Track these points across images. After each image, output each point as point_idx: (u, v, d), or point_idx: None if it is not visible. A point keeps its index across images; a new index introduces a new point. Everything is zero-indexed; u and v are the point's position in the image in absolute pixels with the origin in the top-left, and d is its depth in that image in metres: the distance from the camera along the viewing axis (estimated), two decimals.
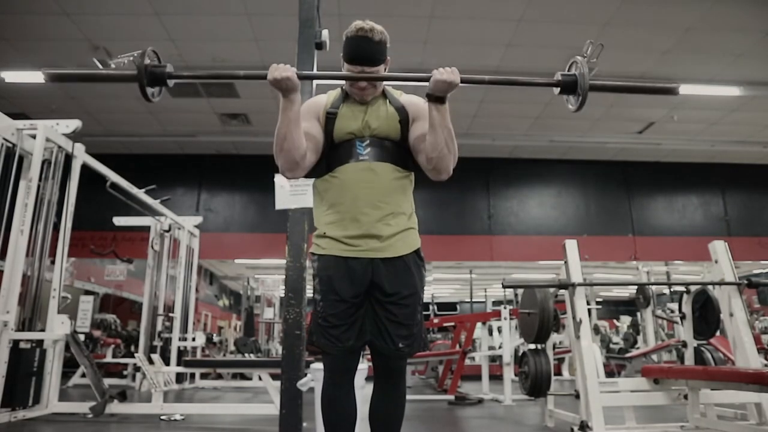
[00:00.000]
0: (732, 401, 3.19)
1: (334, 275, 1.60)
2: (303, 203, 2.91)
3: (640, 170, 8.78)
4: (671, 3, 4.94)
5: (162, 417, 3.86)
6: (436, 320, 7.16)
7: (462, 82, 1.49)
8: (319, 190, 1.70)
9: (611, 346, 8.90)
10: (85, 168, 4.25)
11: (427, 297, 12.68)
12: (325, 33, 3.16)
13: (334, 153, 1.66)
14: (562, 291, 3.41)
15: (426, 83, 1.50)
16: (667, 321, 7.91)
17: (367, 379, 2.21)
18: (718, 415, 3.18)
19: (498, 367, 6.83)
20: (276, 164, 1.60)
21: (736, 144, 7.90)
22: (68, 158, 4.05)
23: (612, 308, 14.85)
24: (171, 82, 1.53)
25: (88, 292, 8.96)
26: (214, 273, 13.84)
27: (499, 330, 6.54)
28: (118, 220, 6.50)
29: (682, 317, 3.77)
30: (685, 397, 3.07)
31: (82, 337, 4.68)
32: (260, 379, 4.09)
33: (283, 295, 4.92)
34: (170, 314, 6.44)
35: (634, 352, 6.95)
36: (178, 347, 6.23)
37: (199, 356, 6.71)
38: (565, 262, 3.33)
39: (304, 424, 2.81)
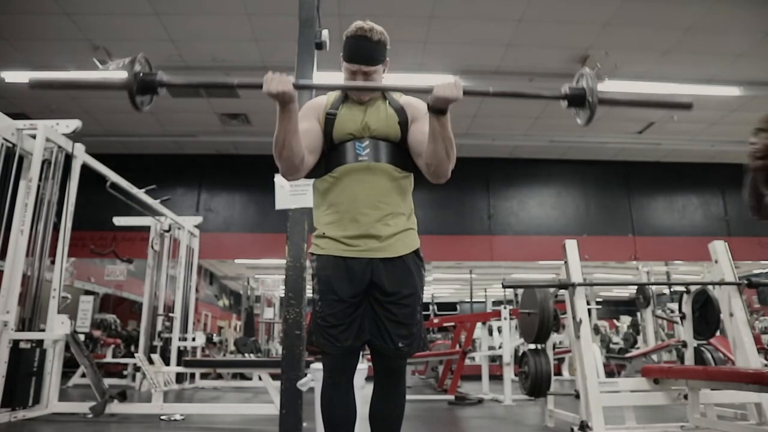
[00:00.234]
0: (732, 401, 3.19)
1: (332, 275, 1.60)
2: (303, 203, 2.91)
3: (640, 170, 8.78)
4: (671, 3, 4.94)
5: (162, 417, 3.86)
6: (436, 320, 7.16)
7: (465, 94, 1.45)
8: (319, 191, 1.71)
9: (611, 346, 8.90)
10: (85, 168, 4.26)
11: (427, 297, 12.71)
12: (325, 33, 3.17)
13: (333, 153, 1.66)
14: (562, 291, 3.41)
15: (427, 91, 1.46)
16: (667, 321, 7.91)
17: (367, 379, 2.22)
18: (718, 415, 3.18)
19: (498, 367, 6.83)
20: (276, 165, 1.61)
21: (736, 144, 7.88)
22: (68, 158, 4.05)
23: (612, 308, 14.84)
24: (162, 90, 1.47)
25: (88, 292, 8.96)
26: (214, 273, 13.84)
27: (499, 330, 6.54)
28: (118, 220, 6.50)
29: (682, 317, 3.77)
30: (685, 397, 3.06)
31: (82, 337, 4.68)
32: (260, 379, 4.10)
33: (283, 295, 4.92)
34: (170, 314, 6.44)
35: (634, 352, 6.94)
36: (178, 347, 6.24)
37: (199, 356, 6.71)
38: (565, 262, 3.33)
39: (304, 424, 2.81)
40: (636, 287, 7.64)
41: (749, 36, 5.42)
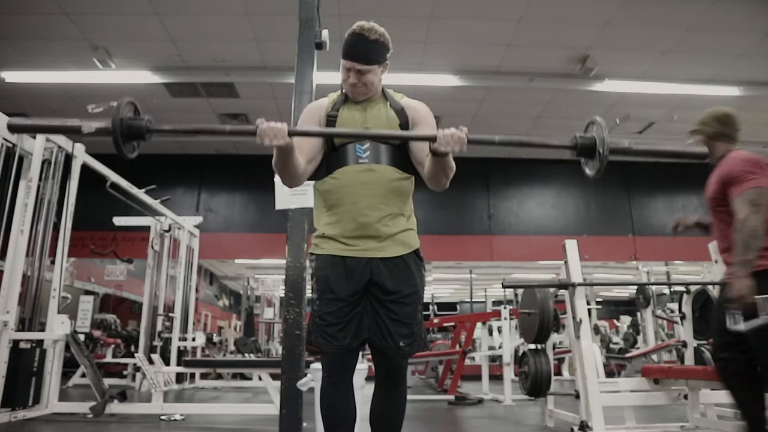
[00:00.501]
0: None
1: (331, 274, 1.61)
2: (303, 203, 2.91)
3: (640, 170, 8.77)
4: (671, 3, 4.94)
5: (162, 417, 3.86)
6: (436, 320, 7.16)
7: (469, 143, 1.39)
8: (320, 192, 1.71)
9: (611, 346, 8.90)
10: (85, 168, 4.26)
11: (427, 297, 12.66)
12: (325, 33, 3.17)
13: (334, 155, 1.66)
14: (562, 291, 3.41)
15: (431, 139, 1.43)
16: (667, 321, 7.91)
17: (368, 379, 2.22)
18: (718, 415, 3.18)
19: (498, 367, 6.83)
20: None
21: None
22: (68, 158, 4.05)
23: (612, 308, 14.85)
24: (149, 136, 1.39)
25: (88, 292, 8.96)
26: (214, 273, 13.85)
27: (499, 330, 6.53)
28: (118, 220, 6.50)
29: (682, 317, 3.77)
30: (685, 397, 3.07)
31: (82, 337, 4.69)
32: (260, 379, 4.10)
33: (283, 295, 4.92)
34: (170, 314, 6.44)
35: (634, 352, 6.94)
36: (178, 347, 6.24)
37: (199, 356, 6.72)
38: (565, 262, 3.33)
39: (304, 424, 2.81)
40: (636, 287, 7.64)
41: (749, 36, 5.42)
